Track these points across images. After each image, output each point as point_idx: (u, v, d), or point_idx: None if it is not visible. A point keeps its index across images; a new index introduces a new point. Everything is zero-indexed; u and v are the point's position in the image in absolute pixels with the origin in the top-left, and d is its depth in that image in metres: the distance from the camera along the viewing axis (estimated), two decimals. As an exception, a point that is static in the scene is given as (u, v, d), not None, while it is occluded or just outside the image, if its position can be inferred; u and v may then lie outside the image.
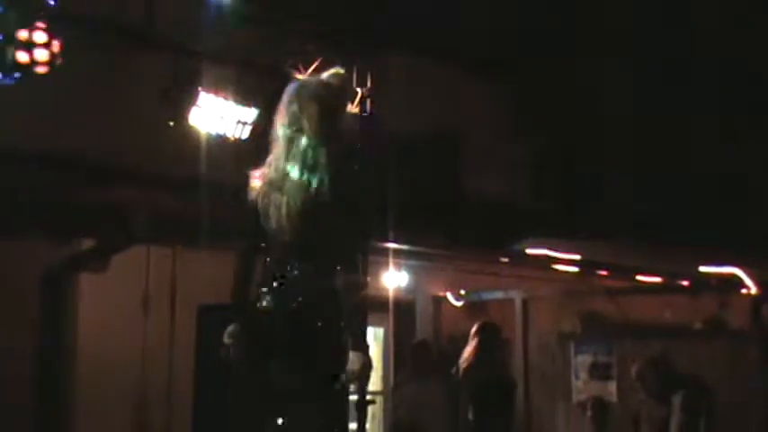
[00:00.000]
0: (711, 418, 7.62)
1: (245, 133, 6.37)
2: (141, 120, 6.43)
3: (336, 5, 8.13)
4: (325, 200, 3.73)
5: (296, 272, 3.74)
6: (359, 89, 6.85)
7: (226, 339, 3.80)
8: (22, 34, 5.04)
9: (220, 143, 6.35)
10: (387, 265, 8.34)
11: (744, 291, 9.36)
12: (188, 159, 6.31)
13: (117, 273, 7.11)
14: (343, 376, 3.73)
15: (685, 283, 9.66)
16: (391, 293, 8.61)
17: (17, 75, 5.10)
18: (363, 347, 3.75)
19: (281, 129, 3.85)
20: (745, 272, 9.21)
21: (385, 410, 9.56)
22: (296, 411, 3.71)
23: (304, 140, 3.80)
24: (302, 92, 3.86)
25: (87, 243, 7.08)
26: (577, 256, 8.98)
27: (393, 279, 8.81)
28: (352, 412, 6.78)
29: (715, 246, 8.95)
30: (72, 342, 7.09)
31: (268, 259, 3.81)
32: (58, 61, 5.14)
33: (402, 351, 9.30)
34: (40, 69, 5.11)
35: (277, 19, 7.41)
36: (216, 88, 6.30)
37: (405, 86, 8.38)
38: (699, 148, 9.98)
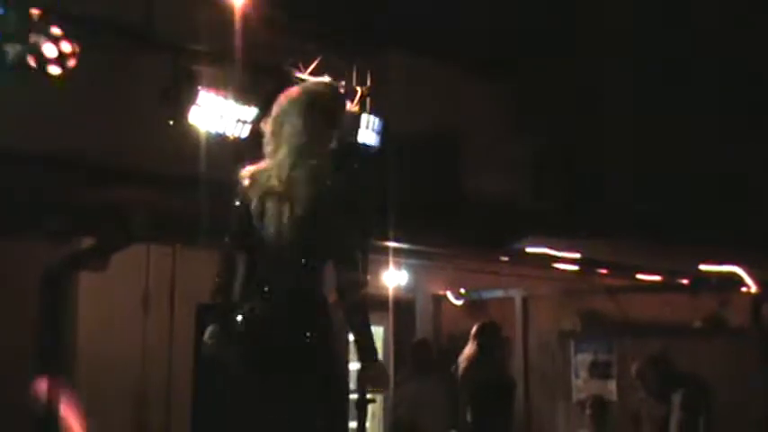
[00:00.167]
0: (711, 417, 7.64)
1: (244, 132, 6.38)
2: (141, 119, 6.44)
3: (336, 5, 8.14)
4: (323, 199, 3.74)
5: (285, 275, 3.71)
6: (359, 88, 6.87)
7: (206, 339, 3.81)
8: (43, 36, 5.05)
9: (220, 142, 6.35)
10: (387, 263, 8.35)
11: (744, 289, 9.36)
12: (188, 158, 6.32)
13: (117, 272, 7.11)
14: (362, 385, 3.71)
15: (685, 281, 9.66)
16: (391, 292, 8.61)
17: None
18: (369, 350, 3.72)
19: (274, 128, 3.87)
20: (745, 270, 9.21)
21: (385, 409, 9.57)
22: (279, 413, 3.68)
23: (300, 140, 3.80)
24: (297, 93, 3.89)
25: (87, 242, 7.08)
26: (577, 255, 8.99)
27: (393, 278, 8.82)
28: (353, 411, 6.81)
29: (715, 245, 8.96)
30: (72, 341, 7.10)
31: (255, 261, 3.77)
32: (72, 63, 5.17)
33: (402, 350, 9.32)
34: (54, 70, 5.13)
35: (277, 18, 7.41)
36: (215, 87, 6.31)
37: (405, 86, 8.39)
38: (699, 148, 9.98)
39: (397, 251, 7.95)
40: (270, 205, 3.74)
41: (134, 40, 6.47)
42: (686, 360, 8.14)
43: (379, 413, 9.75)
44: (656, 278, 9.63)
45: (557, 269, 9.11)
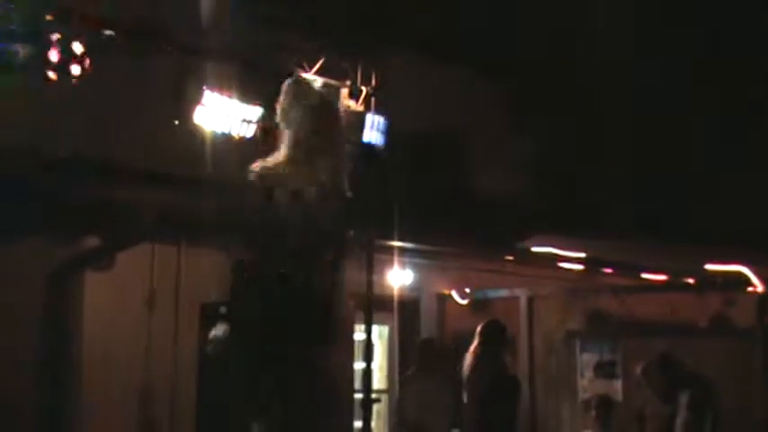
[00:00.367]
0: (717, 417, 7.61)
1: (249, 131, 6.39)
2: (146, 118, 6.45)
3: (337, 5, 8.16)
4: (326, 196, 3.76)
5: (284, 272, 3.72)
6: (363, 87, 6.88)
7: (211, 336, 3.83)
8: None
9: (225, 141, 6.36)
10: (391, 263, 8.34)
11: (750, 289, 9.34)
12: (193, 157, 6.32)
13: (122, 270, 7.12)
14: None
15: (691, 281, 9.64)
16: (396, 291, 8.60)
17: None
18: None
19: (279, 125, 3.89)
20: (751, 270, 9.20)
21: (390, 408, 9.56)
22: (280, 410, 3.70)
23: (301, 137, 3.81)
24: (294, 89, 3.91)
25: (93, 241, 7.09)
26: (583, 254, 8.98)
27: (398, 277, 8.81)
28: (358, 410, 6.80)
29: (721, 244, 8.95)
30: (77, 339, 7.10)
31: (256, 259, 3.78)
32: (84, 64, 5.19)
33: (407, 349, 9.30)
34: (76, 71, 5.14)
35: (281, 18, 7.42)
36: (220, 87, 6.32)
37: (405, 86, 8.39)
38: (698, 148, 10.00)
39: (401, 250, 7.94)
40: (282, 199, 3.75)
41: (137, 40, 6.48)
42: (692, 360, 8.11)
43: (385, 412, 9.74)
44: (662, 278, 9.61)
45: (562, 269, 9.10)
